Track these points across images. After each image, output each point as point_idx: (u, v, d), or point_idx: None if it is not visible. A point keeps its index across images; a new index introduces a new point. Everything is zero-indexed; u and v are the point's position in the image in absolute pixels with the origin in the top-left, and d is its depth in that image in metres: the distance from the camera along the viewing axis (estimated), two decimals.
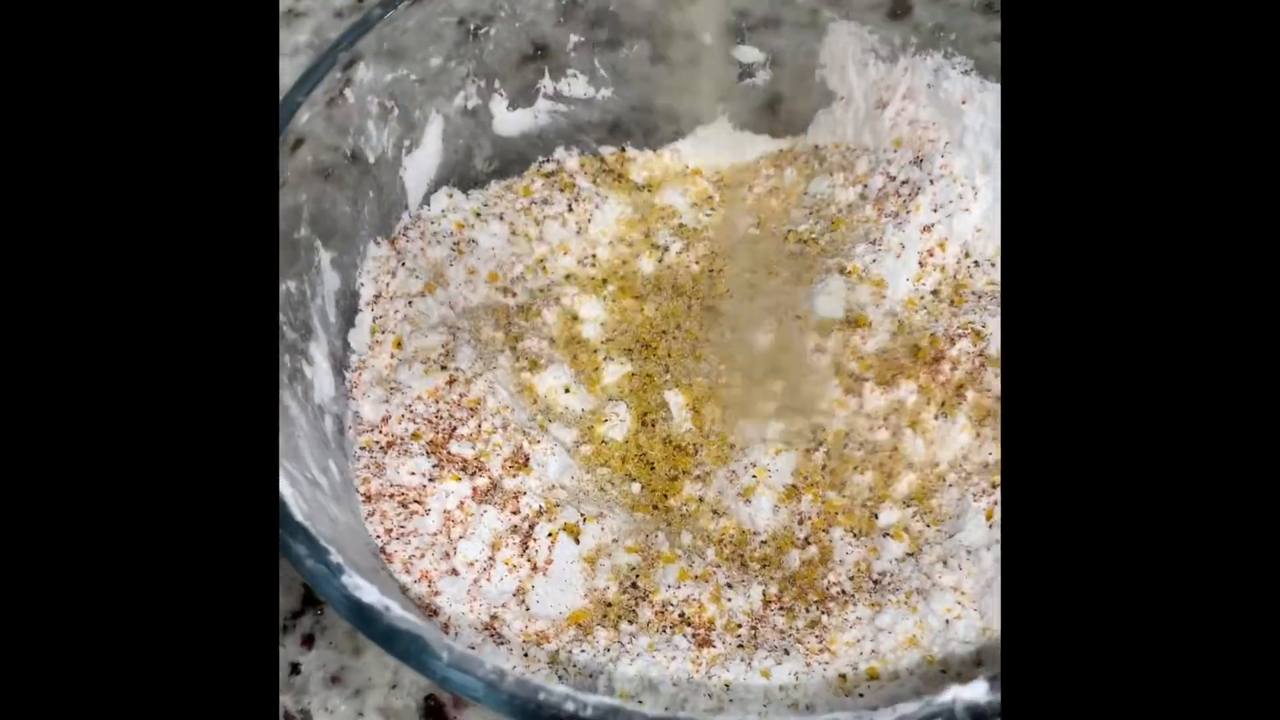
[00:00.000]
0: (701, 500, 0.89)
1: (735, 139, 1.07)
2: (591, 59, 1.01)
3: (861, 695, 0.76)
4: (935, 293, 0.93)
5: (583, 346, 0.97)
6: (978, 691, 0.56)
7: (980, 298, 0.92)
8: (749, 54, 1.02)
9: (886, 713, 0.55)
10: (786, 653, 0.79)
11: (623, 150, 1.06)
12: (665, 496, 0.89)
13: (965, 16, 0.93)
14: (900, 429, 0.87)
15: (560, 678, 0.78)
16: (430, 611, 0.80)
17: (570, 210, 1.02)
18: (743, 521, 0.87)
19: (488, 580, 0.81)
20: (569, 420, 0.92)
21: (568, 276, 1.00)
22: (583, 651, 0.79)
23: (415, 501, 0.83)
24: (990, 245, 0.93)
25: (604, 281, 1.00)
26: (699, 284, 0.99)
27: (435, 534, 0.82)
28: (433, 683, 0.91)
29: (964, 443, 0.86)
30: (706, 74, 1.03)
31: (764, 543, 0.86)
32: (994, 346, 0.88)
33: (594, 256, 1.01)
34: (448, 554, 0.81)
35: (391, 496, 0.83)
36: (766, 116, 1.06)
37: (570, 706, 0.59)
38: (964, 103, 0.94)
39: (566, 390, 0.93)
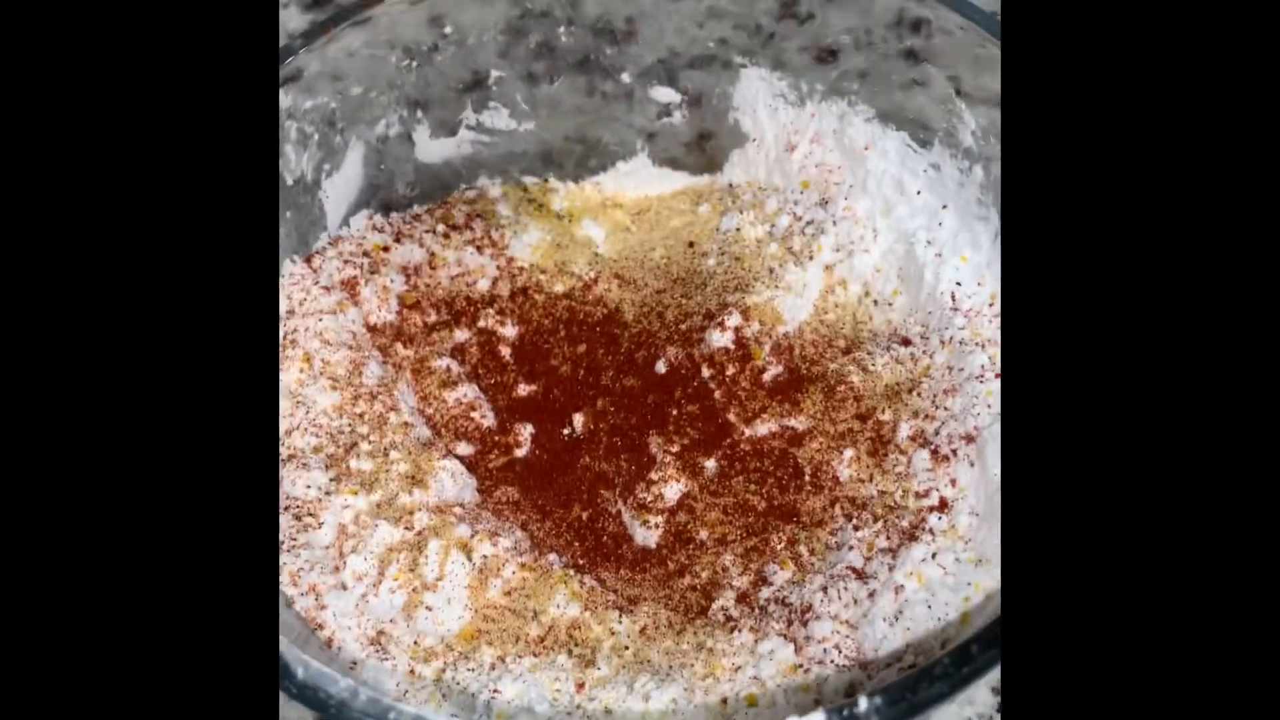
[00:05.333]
0: (600, 520, 0.85)
1: (654, 174, 1.03)
2: (514, 93, 0.97)
3: None
4: (829, 331, 0.90)
5: (494, 366, 0.93)
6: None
7: (876, 336, 0.89)
8: (665, 94, 0.99)
9: None
10: (669, 676, 0.75)
11: (546, 180, 1.03)
12: (563, 514, 0.85)
13: (889, 62, 0.89)
14: (790, 455, 0.84)
15: (444, 696, 0.74)
16: (314, 626, 0.75)
17: (489, 236, 0.98)
18: (638, 542, 0.83)
19: (375, 595, 0.76)
20: (474, 437, 0.88)
21: (482, 299, 0.96)
22: (469, 669, 0.75)
23: (309, 514, 0.79)
24: (889, 285, 0.90)
25: (518, 305, 0.96)
26: (609, 310, 0.96)
27: (327, 547, 0.78)
28: None
29: (849, 475, 0.82)
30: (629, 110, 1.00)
31: (658, 565, 0.82)
32: (883, 384, 0.85)
33: (510, 280, 0.97)
34: (337, 567, 0.77)
35: (285, 509, 0.79)
36: (686, 154, 1.03)
37: None
38: (866, 148, 0.91)
39: (473, 409, 0.89)
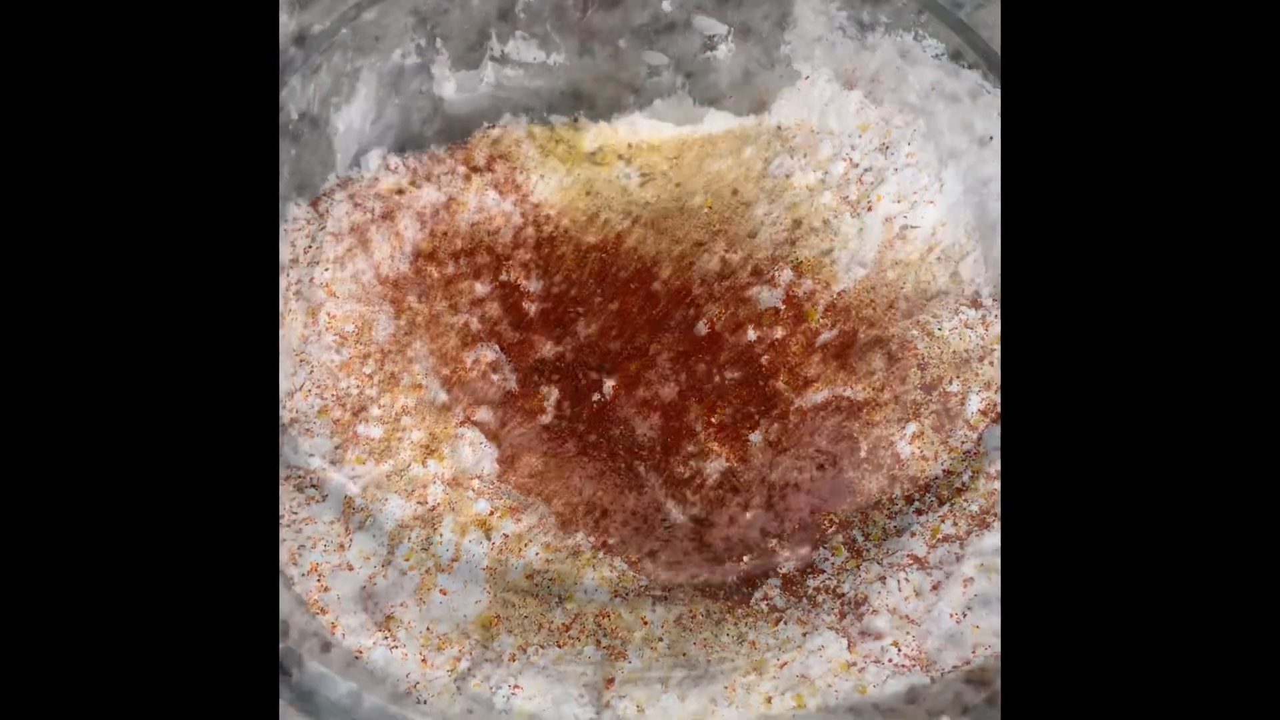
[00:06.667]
0: (634, 497, 0.77)
1: (696, 114, 0.94)
2: (544, 23, 0.88)
3: None
4: (889, 291, 0.81)
5: (518, 323, 0.85)
6: None
7: (942, 298, 0.80)
8: (710, 25, 0.90)
9: None
10: (707, 673, 0.67)
11: (575, 120, 0.94)
12: (594, 491, 0.78)
13: None
14: (845, 429, 0.76)
15: (458, 689, 0.67)
16: (316, 610, 0.68)
17: (513, 180, 0.89)
18: (674, 521, 0.76)
19: (384, 577, 0.69)
20: (494, 402, 0.80)
21: (505, 250, 0.87)
22: (486, 660, 0.68)
23: (312, 486, 0.71)
24: (956, 241, 0.82)
25: (544, 256, 0.88)
26: (644, 263, 0.87)
27: (331, 523, 0.71)
28: None
29: (912, 452, 0.74)
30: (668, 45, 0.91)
31: (696, 548, 0.75)
32: (950, 350, 0.77)
33: (535, 228, 0.89)
34: (342, 545, 0.70)
35: (285, 480, 0.71)
36: (730, 92, 0.94)
37: None
38: (933, 89, 0.82)
39: (494, 371, 0.81)
